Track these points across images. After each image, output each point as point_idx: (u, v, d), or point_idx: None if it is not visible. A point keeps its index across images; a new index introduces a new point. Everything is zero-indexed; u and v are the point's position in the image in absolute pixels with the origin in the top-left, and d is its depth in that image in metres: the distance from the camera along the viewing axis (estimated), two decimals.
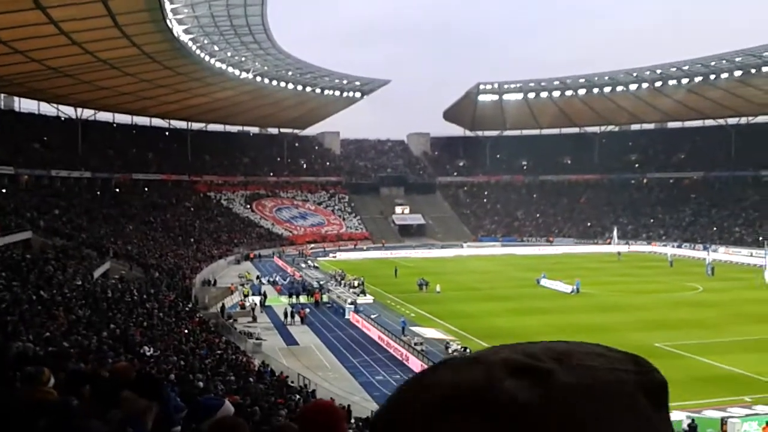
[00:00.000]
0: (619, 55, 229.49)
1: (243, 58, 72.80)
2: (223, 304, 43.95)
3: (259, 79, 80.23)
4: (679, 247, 77.74)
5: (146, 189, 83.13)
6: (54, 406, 3.67)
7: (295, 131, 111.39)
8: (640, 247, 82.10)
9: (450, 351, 30.47)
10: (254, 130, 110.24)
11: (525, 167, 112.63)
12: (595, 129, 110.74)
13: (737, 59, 76.64)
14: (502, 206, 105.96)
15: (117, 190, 79.28)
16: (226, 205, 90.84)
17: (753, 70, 77.44)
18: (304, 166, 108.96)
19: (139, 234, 62.51)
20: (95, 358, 14.20)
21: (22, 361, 7.18)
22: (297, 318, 40.51)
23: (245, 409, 12.71)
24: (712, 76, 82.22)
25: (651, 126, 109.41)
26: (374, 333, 35.81)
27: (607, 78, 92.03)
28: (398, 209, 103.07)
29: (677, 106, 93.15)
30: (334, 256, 75.13)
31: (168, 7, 49.99)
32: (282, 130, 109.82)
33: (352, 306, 42.08)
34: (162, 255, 56.13)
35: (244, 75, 76.98)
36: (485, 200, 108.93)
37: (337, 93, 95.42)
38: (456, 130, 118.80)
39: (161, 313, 31.44)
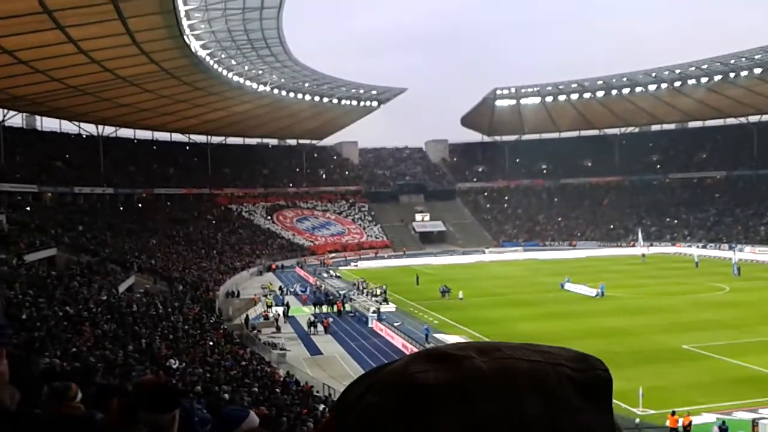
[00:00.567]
0: (636, 57, 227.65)
1: (260, 72, 73.34)
2: (247, 316, 44.11)
3: (276, 91, 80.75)
4: (704, 247, 76.75)
5: (168, 203, 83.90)
6: (80, 421, 3.68)
7: (314, 142, 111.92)
8: (665, 248, 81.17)
9: None
10: (273, 142, 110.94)
11: (545, 171, 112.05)
12: (615, 131, 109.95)
13: (756, 57, 75.73)
14: (523, 211, 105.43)
15: (139, 205, 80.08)
16: (247, 217, 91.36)
17: None
18: (323, 176, 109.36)
19: (162, 248, 63.01)
20: (121, 372, 14.31)
21: (49, 377, 7.23)
22: (320, 327, 40.54)
23: (271, 421, 12.70)
24: (732, 75, 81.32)
25: (671, 126, 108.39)
26: (398, 341, 35.71)
27: (625, 79, 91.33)
28: (418, 216, 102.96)
29: (697, 105, 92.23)
30: (356, 265, 75.13)
31: (185, 23, 50.51)
32: (300, 141, 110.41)
33: (375, 314, 42.01)
34: (185, 268, 56.51)
35: (261, 88, 77.54)
36: (506, 205, 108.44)
37: (354, 103, 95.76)
38: (474, 136, 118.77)
39: (186, 325, 31.60)
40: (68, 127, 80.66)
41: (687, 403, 22.61)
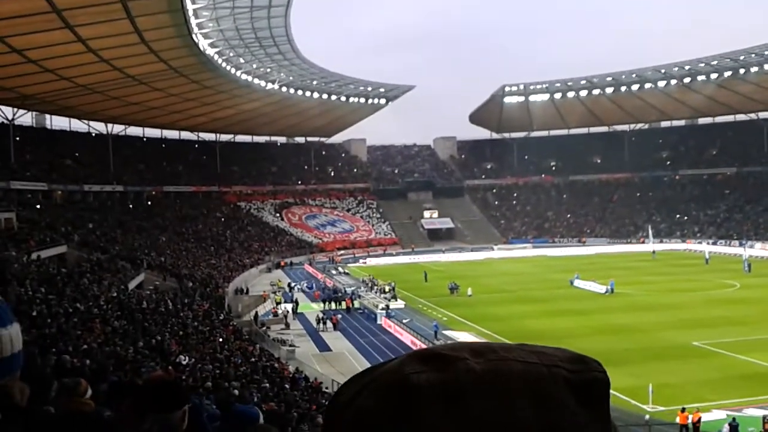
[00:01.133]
0: (645, 53, 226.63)
1: (268, 70, 73.43)
2: (256, 312, 44.24)
3: (284, 89, 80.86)
4: (715, 244, 76.32)
5: (177, 201, 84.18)
6: (89, 418, 3.70)
7: (322, 139, 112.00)
8: (675, 245, 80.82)
9: None
10: (281, 139, 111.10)
11: (554, 168, 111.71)
12: (625, 127, 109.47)
13: (767, 52, 75.21)
14: (532, 208, 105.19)
15: (149, 203, 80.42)
16: (256, 215, 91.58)
17: None
18: (332, 173, 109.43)
19: (171, 245, 63.24)
20: (132, 368, 14.39)
21: (59, 373, 7.28)
22: (329, 324, 40.63)
23: (281, 417, 12.74)
24: (742, 71, 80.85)
25: (681, 122, 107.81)
26: (407, 338, 35.74)
27: (634, 76, 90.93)
28: (427, 213, 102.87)
29: (707, 101, 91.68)
30: (364, 262, 75.23)
31: (193, 21, 50.61)
32: (308, 138, 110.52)
33: (384, 311, 42.05)
34: (195, 265, 56.73)
35: (269, 86, 77.64)
36: (514, 202, 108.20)
37: (362, 100, 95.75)
38: (482, 133, 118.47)
39: (196, 322, 31.72)
40: (78, 125, 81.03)
41: (697, 400, 22.52)
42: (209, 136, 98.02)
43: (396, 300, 46.84)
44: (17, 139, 66.41)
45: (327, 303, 47.27)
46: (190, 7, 47.58)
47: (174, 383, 3.58)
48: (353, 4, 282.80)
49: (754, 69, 79.28)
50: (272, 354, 31.96)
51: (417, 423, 0.64)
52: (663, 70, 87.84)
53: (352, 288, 51.76)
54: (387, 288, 50.19)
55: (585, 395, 0.68)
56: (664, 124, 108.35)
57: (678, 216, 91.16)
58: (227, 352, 26.52)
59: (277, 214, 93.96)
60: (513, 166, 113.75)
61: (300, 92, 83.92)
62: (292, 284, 57.57)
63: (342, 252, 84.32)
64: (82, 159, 77.40)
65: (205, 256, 63.62)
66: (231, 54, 64.54)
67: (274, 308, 46.04)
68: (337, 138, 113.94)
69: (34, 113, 74.26)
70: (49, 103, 65.38)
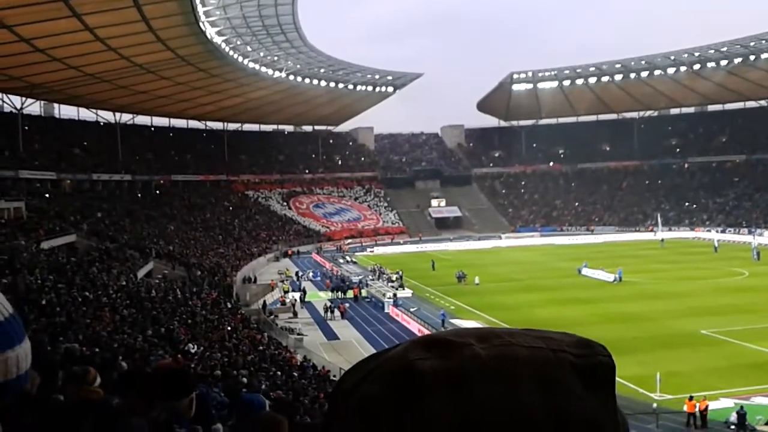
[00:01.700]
0: (654, 39, 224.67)
1: (275, 58, 73.30)
2: (264, 301, 44.43)
3: (292, 77, 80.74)
4: (724, 231, 75.97)
5: (185, 190, 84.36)
6: (98, 405, 3.73)
7: (329, 128, 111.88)
8: (684, 233, 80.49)
9: None
10: (289, 128, 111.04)
11: (562, 155, 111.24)
12: (634, 114, 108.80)
13: None
14: (540, 196, 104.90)
15: (157, 191, 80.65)
16: (264, 203, 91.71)
17: None
18: (339, 162, 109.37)
19: (180, 234, 63.48)
20: (141, 356, 14.48)
21: (69, 361, 7.33)
22: (337, 313, 40.75)
23: (288, 405, 12.80)
24: (752, 57, 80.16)
25: (691, 110, 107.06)
26: (414, 326, 35.83)
27: (643, 62, 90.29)
28: (434, 202, 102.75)
29: (717, 88, 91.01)
30: (372, 251, 75.29)
31: (201, 10, 50.55)
32: (316, 127, 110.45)
33: (392, 300, 42.12)
34: (203, 254, 56.95)
35: (277, 74, 77.51)
36: (522, 190, 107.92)
37: (370, 88, 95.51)
38: (490, 121, 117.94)
39: (204, 310, 31.89)
40: (86, 114, 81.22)
41: (705, 388, 22.50)
42: (217, 125, 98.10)
43: (403, 289, 46.88)
44: (26, 128, 66.62)
45: (334, 292, 47.40)
46: None
47: (181, 371, 3.60)
48: None
49: (764, 55, 78.58)
50: (280, 342, 32.12)
51: (422, 409, 0.64)
52: (672, 57, 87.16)
53: (360, 277, 51.85)
54: (394, 277, 50.25)
55: (591, 379, 0.68)
56: (674, 111, 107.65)
57: (687, 204, 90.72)
58: (235, 341, 26.65)
59: (285, 203, 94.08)
60: (521, 154, 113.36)
61: (307, 80, 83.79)
62: (300, 273, 57.74)
63: (349, 241, 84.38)
64: (91, 148, 77.62)
65: (214, 245, 63.84)
66: (238, 42, 64.45)
67: (281, 297, 46.19)
68: (345, 126, 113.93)
69: (42, 102, 74.43)
70: (58, 93, 65.50)
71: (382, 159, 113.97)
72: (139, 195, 76.12)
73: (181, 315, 28.42)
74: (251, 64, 71.15)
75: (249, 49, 67.60)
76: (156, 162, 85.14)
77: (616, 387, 0.71)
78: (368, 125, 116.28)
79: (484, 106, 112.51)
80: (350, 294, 47.03)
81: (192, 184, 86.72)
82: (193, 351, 20.89)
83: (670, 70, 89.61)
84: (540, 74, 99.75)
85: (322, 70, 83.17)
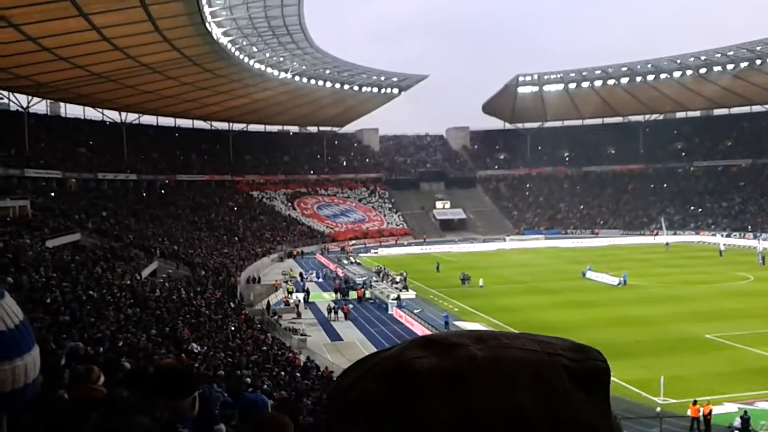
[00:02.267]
0: (661, 42, 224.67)
1: (281, 59, 73.39)
2: (268, 301, 44.44)
3: (297, 78, 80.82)
4: (729, 236, 75.75)
5: (190, 190, 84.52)
6: (102, 403, 3.73)
7: (334, 129, 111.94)
8: (689, 237, 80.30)
9: None
10: (294, 129, 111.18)
11: (567, 158, 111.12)
12: (639, 118, 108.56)
13: None
14: (545, 199, 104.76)
15: (162, 191, 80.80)
16: (269, 204, 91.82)
17: None
18: (344, 163, 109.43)
19: (184, 234, 63.57)
20: (145, 356, 14.50)
21: (73, 360, 7.35)
22: (341, 314, 40.76)
23: (292, 405, 12.81)
24: (759, 62, 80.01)
25: (696, 113, 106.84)
26: (417, 328, 35.79)
27: (650, 66, 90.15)
28: (439, 204, 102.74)
29: (723, 92, 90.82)
30: (376, 252, 75.28)
31: (207, 10, 50.63)
32: (321, 128, 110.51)
33: (395, 301, 42.10)
34: (207, 254, 56.99)
35: (282, 75, 77.61)
36: (527, 193, 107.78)
37: (375, 90, 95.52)
38: (495, 123, 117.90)
39: (208, 310, 31.92)
40: (92, 113, 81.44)
41: (709, 393, 22.43)
42: (222, 125, 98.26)
43: (407, 290, 46.87)
44: (31, 127, 66.83)
45: (338, 293, 47.42)
46: None
47: (184, 370, 3.60)
48: None
49: None
50: (284, 343, 32.13)
51: (418, 407, 0.65)
52: (678, 61, 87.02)
53: (364, 278, 51.85)
54: (398, 278, 50.23)
55: (585, 383, 0.69)
56: (679, 114, 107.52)
57: (692, 208, 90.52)
58: (239, 341, 26.68)
59: (290, 204, 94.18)
60: (526, 156, 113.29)
61: (313, 81, 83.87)
62: (305, 274, 57.77)
63: (354, 242, 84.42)
64: (96, 147, 77.84)
65: (218, 245, 63.90)
66: (244, 43, 64.54)
67: (285, 297, 46.21)
68: (350, 128, 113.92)
69: (48, 101, 74.67)
70: (64, 92, 65.68)
71: (387, 160, 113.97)
72: (144, 194, 76.32)
73: (185, 315, 28.44)
74: (257, 65, 71.26)
75: (255, 49, 67.70)
76: (161, 162, 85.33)
77: (610, 391, 0.71)
78: (373, 126, 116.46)
79: (489, 108, 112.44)
80: (354, 295, 47.05)
81: (197, 184, 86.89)
82: (197, 351, 20.92)
83: (677, 74, 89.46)
84: (546, 77, 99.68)
85: (327, 71, 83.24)
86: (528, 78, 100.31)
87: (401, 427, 0.66)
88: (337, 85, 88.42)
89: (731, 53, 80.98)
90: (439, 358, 0.67)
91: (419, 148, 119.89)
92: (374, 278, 52.47)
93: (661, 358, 27.50)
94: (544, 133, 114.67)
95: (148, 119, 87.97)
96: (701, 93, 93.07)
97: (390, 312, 41.09)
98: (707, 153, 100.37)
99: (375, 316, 41.31)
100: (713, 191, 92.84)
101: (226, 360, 20.59)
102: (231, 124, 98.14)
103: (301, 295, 46.13)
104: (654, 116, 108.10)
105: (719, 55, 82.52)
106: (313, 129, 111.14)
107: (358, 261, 66.67)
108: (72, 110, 79.76)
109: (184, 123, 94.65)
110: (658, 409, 21.80)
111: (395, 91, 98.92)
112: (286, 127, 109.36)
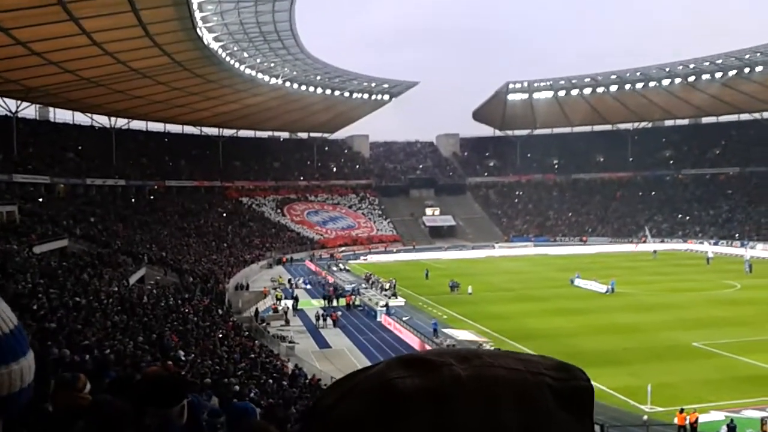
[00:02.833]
0: (649, 50, 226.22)
1: (272, 64, 73.40)
2: (256, 308, 44.29)
3: (288, 84, 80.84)
4: (716, 244, 76.23)
5: (179, 196, 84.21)
6: (88, 410, 3.72)
7: (324, 135, 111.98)
8: (676, 244, 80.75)
9: None
10: (284, 135, 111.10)
11: (556, 166, 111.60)
12: (628, 126, 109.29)
13: None
14: (534, 206, 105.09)
15: (151, 197, 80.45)
16: (258, 210, 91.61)
17: None
18: (334, 169, 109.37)
19: (173, 240, 63.30)
20: (131, 363, 14.41)
21: (59, 368, 7.32)
22: (329, 321, 40.66)
23: (279, 413, 12.77)
24: (747, 70, 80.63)
25: (685, 121, 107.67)
26: (406, 335, 35.78)
27: (639, 74, 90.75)
28: (428, 211, 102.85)
29: (711, 100, 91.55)
30: (365, 259, 75.22)
31: (198, 15, 50.61)
32: (311, 134, 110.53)
33: (384, 308, 42.06)
34: (196, 260, 56.75)
35: (273, 81, 77.62)
36: (516, 200, 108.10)
37: (365, 96, 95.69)
38: (485, 130, 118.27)
39: (196, 317, 31.75)
40: (81, 118, 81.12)
41: (696, 401, 22.53)
42: (212, 131, 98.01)
43: (396, 297, 46.84)
44: (20, 131, 66.41)
45: (327, 300, 47.33)
46: (194, 1, 47.59)
47: (173, 378, 3.59)
48: (356, 0, 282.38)
49: (759, 68, 79.03)
50: (272, 350, 32.01)
51: (402, 427, 0.64)
52: (668, 69, 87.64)
53: (353, 285, 51.78)
54: (387, 285, 50.20)
55: (568, 402, 0.69)
56: (668, 122, 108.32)
57: (680, 216, 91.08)
58: (227, 348, 26.55)
59: (279, 210, 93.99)
60: (515, 163, 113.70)
61: (303, 87, 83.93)
62: (293, 280, 57.64)
63: (343, 249, 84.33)
64: (85, 152, 77.41)
65: (207, 251, 63.66)
66: (235, 48, 64.52)
67: (274, 304, 46.07)
68: (340, 134, 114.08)
69: (37, 106, 74.29)
70: (53, 96, 65.41)
71: (377, 167, 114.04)
72: (133, 200, 75.92)
73: (172, 322, 28.29)
74: (248, 71, 71.24)
75: (246, 55, 67.68)
76: (150, 167, 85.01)
77: (593, 411, 0.72)
78: (363, 133, 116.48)
79: (479, 115, 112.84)
80: (343, 302, 46.97)
81: (186, 190, 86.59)
82: (184, 358, 20.80)
83: (665, 82, 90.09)
84: (535, 84, 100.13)
85: (318, 78, 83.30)
86: (518, 85, 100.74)
87: None
88: (328, 91, 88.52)
89: (719, 61, 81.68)
90: (422, 379, 0.66)
91: (409, 155, 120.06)
92: (363, 285, 52.41)
93: (649, 366, 27.62)
94: (533, 140, 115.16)
95: (137, 124, 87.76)
96: (690, 101, 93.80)
97: (379, 319, 41.04)
98: (695, 161, 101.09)
99: (364, 324, 41.26)
100: (701, 199, 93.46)
101: (214, 368, 20.49)
102: (221, 129, 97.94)
103: (290, 302, 45.99)
104: (642, 124, 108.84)
105: (708, 64, 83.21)
106: (303, 135, 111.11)
107: (347, 268, 66.59)
108: (61, 115, 79.54)
109: (174, 128, 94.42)
110: (645, 417, 21.88)
111: (386, 97, 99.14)
112: (276, 133, 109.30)
